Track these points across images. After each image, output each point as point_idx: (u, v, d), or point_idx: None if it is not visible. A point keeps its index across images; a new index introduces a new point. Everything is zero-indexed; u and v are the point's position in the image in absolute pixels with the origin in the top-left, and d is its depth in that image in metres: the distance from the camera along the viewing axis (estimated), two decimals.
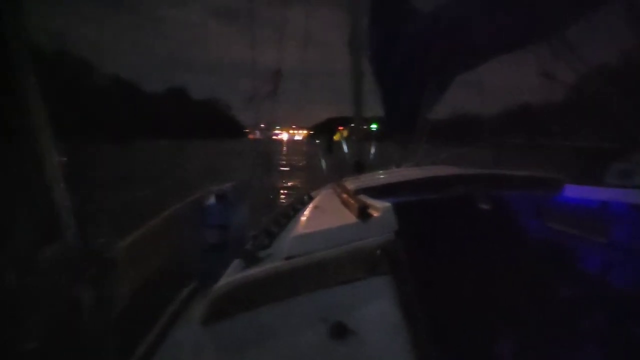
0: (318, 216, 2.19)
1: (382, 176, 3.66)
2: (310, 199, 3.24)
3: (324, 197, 2.97)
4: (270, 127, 6.50)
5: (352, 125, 5.55)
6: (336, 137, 5.68)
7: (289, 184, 20.56)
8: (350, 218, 1.74)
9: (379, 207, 1.71)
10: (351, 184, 2.87)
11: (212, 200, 3.52)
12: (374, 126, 5.85)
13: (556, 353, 2.43)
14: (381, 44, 5.28)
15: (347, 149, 5.42)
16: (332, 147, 5.34)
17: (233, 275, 1.58)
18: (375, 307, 1.33)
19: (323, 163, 5.45)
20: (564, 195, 2.75)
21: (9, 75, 1.58)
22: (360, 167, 5.03)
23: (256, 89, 5.17)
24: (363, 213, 1.68)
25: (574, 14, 3.79)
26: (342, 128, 5.73)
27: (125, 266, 2.02)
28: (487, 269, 2.63)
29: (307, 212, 2.37)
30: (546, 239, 2.91)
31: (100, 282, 1.78)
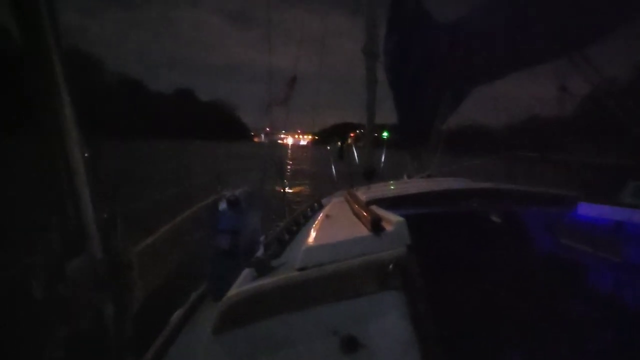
0: (330, 226, 2.16)
1: (393, 187, 3.63)
2: (321, 206, 3.22)
3: (335, 206, 2.94)
4: (275, 131, 6.48)
5: (364, 132, 5.51)
6: (347, 142, 5.63)
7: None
8: (362, 230, 1.73)
9: (392, 220, 1.69)
10: (363, 193, 2.85)
11: (224, 205, 3.50)
12: (385, 134, 5.81)
13: None
14: (398, 52, 5.26)
15: (358, 156, 5.39)
16: (343, 154, 5.30)
17: (244, 284, 1.57)
18: (387, 322, 1.32)
19: (333, 169, 5.41)
20: (578, 212, 2.72)
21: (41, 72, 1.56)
22: (371, 175, 4.99)
23: (272, 95, 5.15)
24: (376, 226, 1.66)
25: (595, 33, 3.75)
26: (353, 135, 5.70)
27: (139, 271, 1.97)
28: (500, 284, 2.60)
29: (318, 221, 2.35)
30: (559, 256, 2.86)
31: (121, 291, 1.77)
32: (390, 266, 1.42)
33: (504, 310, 2.48)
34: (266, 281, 1.52)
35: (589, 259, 2.65)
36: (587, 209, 2.69)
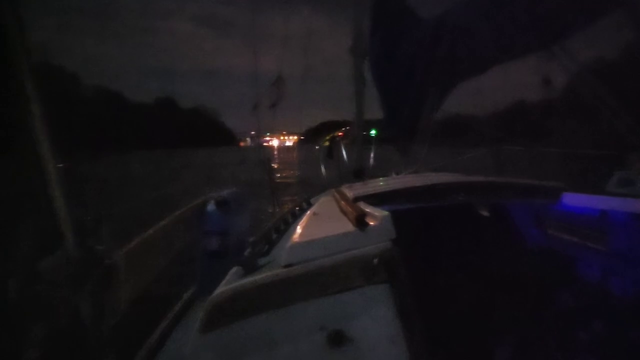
0: (316, 224, 2.17)
1: (381, 183, 3.62)
2: (309, 205, 3.21)
3: (322, 204, 2.95)
4: (260, 134, 6.46)
5: (351, 130, 5.51)
6: (327, 141, 5.60)
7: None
8: (348, 226, 1.73)
9: (377, 215, 1.71)
10: (350, 191, 2.85)
11: (212, 206, 3.47)
12: (373, 132, 5.81)
13: None
14: (383, 49, 5.27)
15: (347, 155, 5.38)
16: (332, 153, 5.28)
17: (231, 282, 1.55)
18: (373, 316, 1.32)
19: (322, 169, 5.40)
20: (563, 203, 2.73)
21: (10, 86, 1.57)
22: (360, 173, 4.98)
23: (260, 98, 5.13)
24: (361, 221, 1.67)
25: (578, 24, 3.78)
26: (342, 134, 5.68)
27: (126, 273, 1.97)
28: (488, 277, 2.61)
29: (305, 219, 2.36)
30: (546, 247, 2.89)
31: (101, 289, 1.75)
32: (375, 260, 1.42)
33: (492, 302, 2.50)
34: (252, 279, 1.51)
35: (576, 249, 2.67)
36: (572, 199, 2.70)
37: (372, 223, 1.67)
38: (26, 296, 1.49)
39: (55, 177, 1.62)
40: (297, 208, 3.13)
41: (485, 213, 2.81)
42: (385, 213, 1.71)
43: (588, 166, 4.61)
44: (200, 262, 3.35)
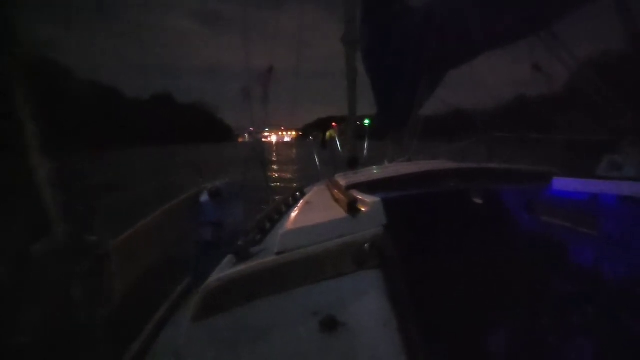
0: (309, 211, 2.19)
1: (374, 172, 3.64)
2: (303, 194, 3.23)
3: (316, 192, 2.97)
4: (259, 130, 6.47)
5: (346, 121, 5.54)
6: (330, 134, 5.66)
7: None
8: (340, 213, 1.75)
9: (368, 202, 1.72)
10: (343, 179, 2.87)
11: (205, 197, 3.48)
12: (367, 122, 5.85)
13: (547, 346, 2.44)
14: (374, 38, 5.27)
15: (341, 145, 5.41)
16: (326, 143, 5.32)
17: (224, 271, 1.57)
18: (365, 301, 1.33)
19: (317, 159, 5.44)
20: (554, 188, 2.73)
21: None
22: (354, 163, 5.01)
23: (250, 85, 5.14)
24: (352, 208, 1.70)
25: (565, 8, 3.81)
26: (335, 125, 5.72)
27: (120, 262, 1.99)
28: (478, 262, 2.62)
29: (298, 207, 2.37)
30: (537, 232, 2.89)
31: (93, 277, 1.77)
32: (367, 246, 1.44)
33: (485, 288, 2.50)
34: (245, 267, 1.53)
35: (568, 234, 2.67)
36: (562, 184, 2.70)
37: (363, 209, 1.69)
38: (18, 283, 1.51)
39: (43, 166, 1.64)
40: (290, 197, 3.15)
41: (477, 199, 2.83)
42: (377, 199, 1.73)
43: (579, 152, 4.63)
44: (195, 252, 3.35)
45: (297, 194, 3.31)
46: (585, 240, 2.56)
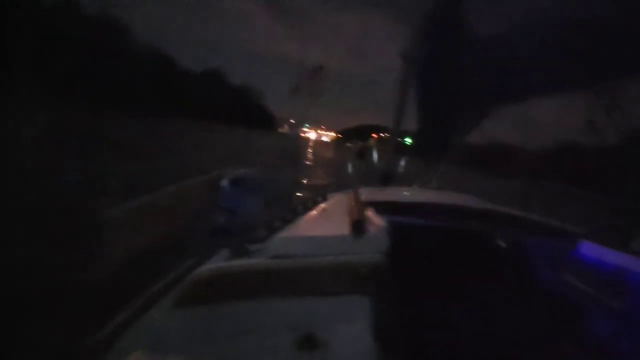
0: (318, 220, 2.17)
1: (399, 193, 3.54)
2: (324, 201, 3.17)
3: (335, 202, 2.93)
4: (300, 124, 6.46)
5: (387, 134, 5.46)
6: (369, 143, 5.57)
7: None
8: (346, 230, 1.70)
9: (376, 225, 1.68)
10: (366, 194, 2.80)
11: (226, 182, 3.45)
12: (408, 140, 5.75)
13: None
14: (431, 60, 5.18)
15: (378, 158, 5.33)
16: (364, 153, 5.25)
17: (217, 263, 1.55)
18: (350, 326, 1.27)
19: (350, 167, 5.38)
20: (582, 251, 2.60)
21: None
22: (387, 178, 4.92)
23: (302, 81, 5.12)
24: (357, 227, 1.65)
25: (628, 66, 3.63)
26: (376, 136, 5.63)
27: (121, 231, 1.96)
28: (484, 310, 2.51)
29: (311, 214, 2.35)
30: (555, 291, 2.75)
31: (91, 243, 1.78)
32: (364, 269, 1.38)
33: (487, 341, 2.36)
34: (236, 263, 1.50)
35: (589, 300, 2.52)
36: (589, 249, 2.57)
37: (370, 231, 1.63)
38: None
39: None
40: (310, 201, 3.09)
41: (498, 244, 2.70)
42: (385, 224, 1.68)
43: (620, 217, 4.41)
44: (205, 236, 3.33)
45: (320, 198, 3.27)
46: (607, 311, 2.41)
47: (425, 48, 5.28)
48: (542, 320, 2.54)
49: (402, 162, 5.58)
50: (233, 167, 3.73)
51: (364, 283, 1.37)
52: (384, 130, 5.67)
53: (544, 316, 2.56)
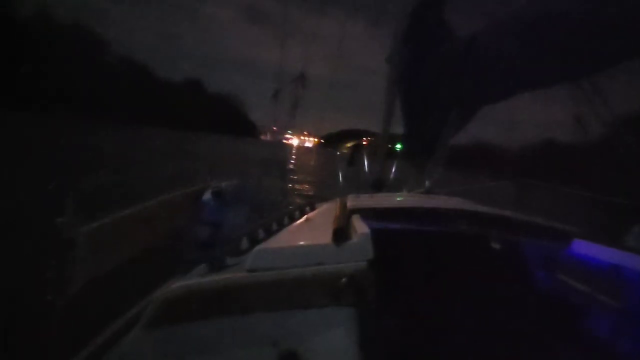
0: (301, 230, 2.09)
1: (387, 199, 3.46)
2: (312, 210, 3.09)
3: (322, 211, 2.86)
4: (282, 131, 6.41)
5: (376, 141, 5.40)
6: (349, 148, 5.49)
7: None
8: (329, 238, 1.60)
9: (358, 232, 1.61)
10: (353, 201, 2.73)
11: (208, 195, 3.33)
12: (398, 146, 5.68)
13: None
14: (411, 62, 5.10)
15: (368, 165, 5.25)
16: (354, 160, 5.16)
17: (191, 279, 1.51)
18: (332, 340, 1.24)
19: (340, 175, 5.29)
20: (575, 250, 2.55)
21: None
22: (378, 185, 4.84)
23: (281, 86, 5.04)
24: (338, 235, 1.57)
25: (612, 59, 3.59)
26: (366, 142, 5.56)
27: (93, 250, 1.82)
28: (477, 314, 2.43)
29: (295, 224, 2.28)
30: (550, 292, 2.71)
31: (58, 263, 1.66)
32: (344, 280, 1.33)
33: (481, 345, 2.26)
34: (211, 279, 1.43)
35: (585, 299, 2.47)
36: (582, 247, 2.52)
37: (351, 239, 1.56)
38: None
39: None
40: (297, 211, 3.01)
41: (491, 246, 2.64)
42: (366, 231, 1.60)
43: (610, 214, 4.38)
44: (187, 251, 3.20)
45: (307, 208, 3.19)
46: (604, 309, 2.35)
47: (407, 50, 5.22)
48: (539, 321, 2.48)
49: (393, 168, 5.51)
50: (217, 176, 3.62)
51: (343, 294, 1.31)
52: (366, 134, 5.60)
53: (540, 317, 2.51)
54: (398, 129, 5.54)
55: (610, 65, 3.62)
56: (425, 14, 5.14)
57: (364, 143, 5.67)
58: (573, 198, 4.87)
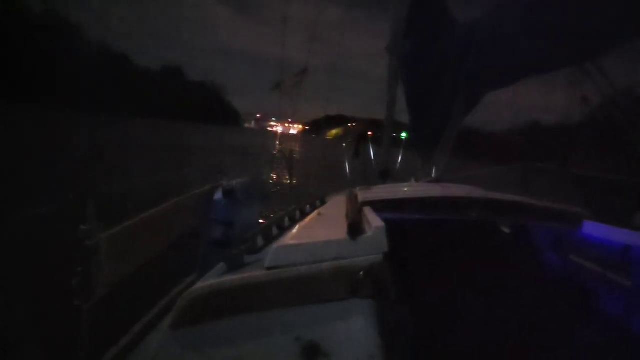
0: (315, 226, 2.10)
1: (397, 189, 3.46)
2: (323, 204, 3.09)
3: (332, 205, 2.87)
4: (266, 118, 6.34)
5: (354, 124, 5.39)
6: (337, 132, 5.46)
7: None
8: (342, 233, 1.63)
9: (372, 225, 1.64)
10: (363, 193, 2.74)
11: (219, 194, 3.27)
12: (404, 135, 5.64)
13: None
14: (415, 51, 5.05)
15: (375, 155, 5.21)
16: (359, 151, 5.12)
17: (212, 279, 1.48)
18: (353, 332, 1.27)
19: (347, 167, 5.23)
20: (585, 231, 2.56)
21: None
22: (385, 175, 4.80)
23: (285, 79, 4.96)
24: (353, 229, 1.60)
25: (616, 42, 3.60)
26: (371, 133, 5.52)
27: (110, 256, 1.82)
28: (495, 300, 2.44)
29: (308, 219, 2.30)
30: (563, 273, 2.73)
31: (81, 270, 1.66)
32: (361, 273, 1.37)
33: (499, 328, 2.28)
34: (232, 277, 1.44)
35: (597, 279, 2.50)
36: (592, 228, 2.54)
37: (366, 233, 1.58)
38: None
39: None
40: (308, 206, 3.00)
41: (502, 232, 2.68)
42: (381, 224, 1.62)
43: (618, 194, 4.39)
44: (202, 251, 3.15)
45: (318, 202, 3.15)
46: (616, 288, 2.39)
47: (406, 38, 5.14)
48: (553, 303, 2.50)
49: (400, 158, 5.49)
50: (226, 174, 3.56)
51: (362, 287, 1.34)
52: (350, 120, 5.56)
53: (554, 298, 2.52)
54: (399, 117, 5.53)
55: (613, 46, 3.63)
56: (428, 2, 5.07)
57: (370, 134, 5.63)
58: (581, 180, 4.88)
